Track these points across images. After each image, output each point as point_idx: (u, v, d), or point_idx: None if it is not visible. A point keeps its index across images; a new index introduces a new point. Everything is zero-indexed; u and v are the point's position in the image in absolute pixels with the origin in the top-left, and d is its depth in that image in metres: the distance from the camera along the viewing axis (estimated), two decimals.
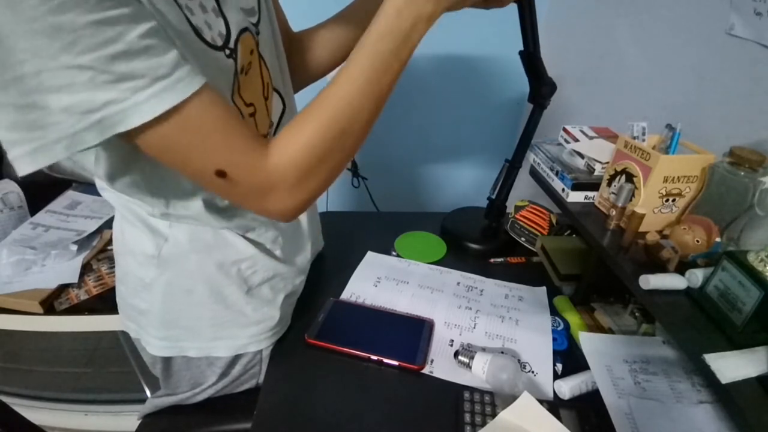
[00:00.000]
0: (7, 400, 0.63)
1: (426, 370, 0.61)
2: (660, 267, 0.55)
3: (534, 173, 0.81)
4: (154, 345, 0.60)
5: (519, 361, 0.63)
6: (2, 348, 1.16)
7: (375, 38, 0.42)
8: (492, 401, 0.56)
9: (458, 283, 0.79)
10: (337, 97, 0.42)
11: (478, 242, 0.89)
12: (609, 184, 0.66)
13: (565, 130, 0.77)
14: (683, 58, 0.78)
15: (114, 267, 0.80)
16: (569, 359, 0.64)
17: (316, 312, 0.69)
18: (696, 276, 0.53)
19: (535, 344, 0.66)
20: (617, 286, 0.61)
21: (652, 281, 0.53)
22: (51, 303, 0.87)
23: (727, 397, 0.44)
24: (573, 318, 0.70)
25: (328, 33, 0.68)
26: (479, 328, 0.69)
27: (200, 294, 0.57)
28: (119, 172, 0.47)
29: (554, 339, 0.67)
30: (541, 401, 0.54)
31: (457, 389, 0.58)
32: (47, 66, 0.30)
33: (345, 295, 0.75)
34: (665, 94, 0.83)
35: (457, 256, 0.87)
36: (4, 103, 0.31)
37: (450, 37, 1.26)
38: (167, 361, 0.62)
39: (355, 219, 1.02)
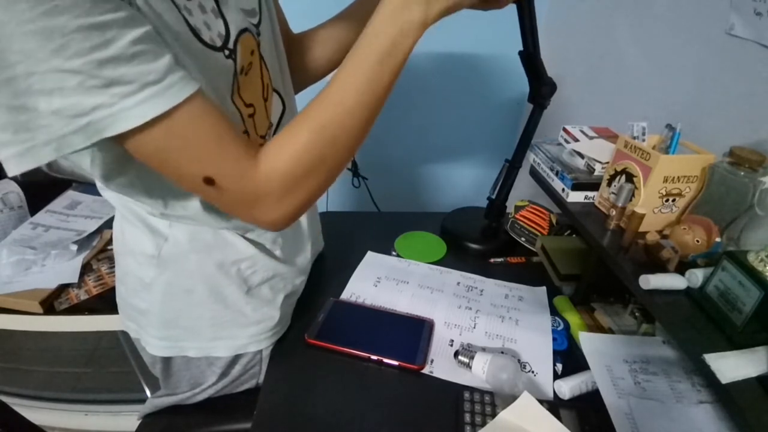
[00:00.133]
0: (7, 400, 0.63)
1: (426, 370, 0.61)
2: (660, 267, 0.55)
3: (534, 173, 0.81)
4: (153, 345, 0.60)
5: (519, 361, 0.63)
6: (2, 348, 1.16)
7: (365, 46, 0.42)
8: (492, 401, 0.56)
9: (458, 283, 0.79)
10: (326, 106, 0.42)
11: (478, 242, 0.89)
12: (609, 184, 0.66)
13: (565, 130, 0.77)
14: (683, 58, 0.78)
15: (114, 267, 0.80)
16: (569, 359, 0.64)
17: (316, 312, 0.69)
18: (696, 276, 0.53)
19: (535, 344, 0.66)
20: (617, 286, 0.61)
21: (652, 281, 0.53)
22: (51, 303, 0.87)
23: (727, 397, 0.44)
24: (573, 318, 0.70)
25: (328, 34, 0.68)
26: (479, 328, 0.69)
27: (200, 294, 0.57)
28: (114, 173, 0.47)
29: (554, 339, 0.67)
30: (541, 401, 0.54)
31: (457, 389, 0.58)
32: (38, 69, 0.30)
33: (345, 295, 0.75)
34: (665, 94, 0.83)
35: (457, 256, 0.87)
36: None
37: (450, 37, 1.26)
38: (167, 361, 0.62)
39: (355, 219, 1.02)
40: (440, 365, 0.62)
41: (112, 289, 0.66)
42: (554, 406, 0.55)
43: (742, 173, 0.54)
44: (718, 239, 0.55)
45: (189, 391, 0.65)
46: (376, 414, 0.56)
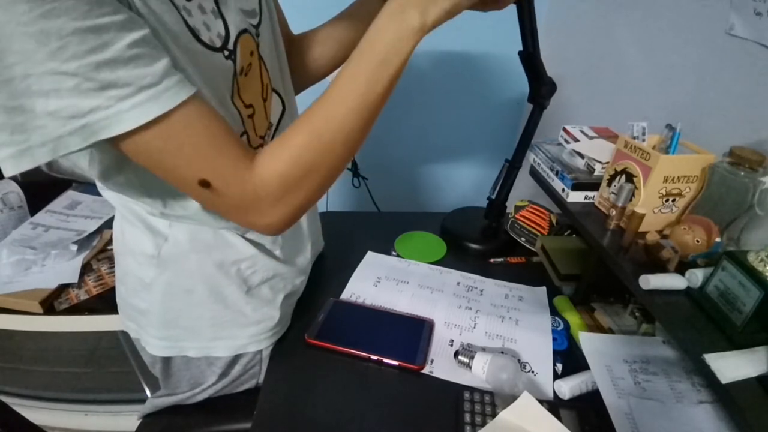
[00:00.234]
0: (7, 400, 0.63)
1: (426, 370, 0.61)
2: (660, 267, 0.55)
3: (534, 173, 0.81)
4: (153, 345, 0.60)
5: (519, 361, 0.63)
6: (2, 348, 1.16)
7: (363, 51, 0.42)
8: (492, 401, 0.56)
9: (458, 283, 0.79)
10: (323, 110, 0.42)
11: (478, 242, 0.89)
12: (609, 184, 0.66)
13: (565, 130, 0.77)
14: (683, 58, 0.78)
15: (114, 267, 0.80)
16: (569, 359, 0.64)
17: (316, 312, 0.69)
18: (696, 276, 0.53)
19: (535, 344, 0.66)
20: (617, 286, 0.61)
21: (652, 281, 0.53)
22: (51, 303, 0.87)
23: (727, 397, 0.44)
24: (573, 318, 0.70)
25: (328, 34, 0.68)
26: (479, 328, 0.69)
27: (200, 294, 0.57)
28: (113, 172, 0.47)
29: (554, 339, 0.67)
30: (541, 401, 0.54)
31: (457, 389, 0.58)
32: (34, 70, 0.30)
33: (345, 295, 0.75)
34: (665, 94, 0.83)
35: (457, 256, 0.87)
36: None
37: (450, 37, 1.26)
38: (167, 361, 0.62)
39: (355, 219, 1.02)
40: (440, 365, 0.62)
41: (112, 289, 0.66)
42: (554, 406, 0.55)
43: (742, 173, 0.54)
44: (718, 239, 0.55)
45: (189, 391, 0.65)
46: (376, 414, 0.56)
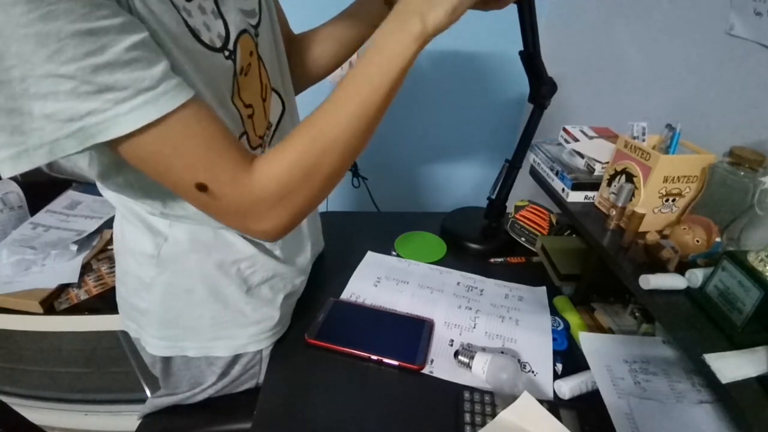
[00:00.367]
0: (7, 400, 0.63)
1: (426, 370, 0.61)
2: (660, 267, 0.55)
3: (534, 173, 0.81)
4: (153, 345, 0.60)
5: (519, 361, 0.63)
6: (2, 348, 1.16)
7: (365, 59, 0.42)
8: (492, 401, 0.56)
9: (458, 283, 0.79)
10: (322, 116, 0.42)
11: (478, 242, 0.89)
12: (609, 184, 0.66)
13: (565, 130, 0.77)
14: (683, 58, 0.78)
15: (114, 267, 0.80)
16: (569, 359, 0.64)
17: (316, 312, 0.69)
18: (696, 276, 0.53)
19: (535, 344, 0.66)
20: (617, 286, 0.61)
21: (652, 281, 0.53)
22: (51, 303, 0.87)
23: (727, 397, 0.44)
24: (573, 318, 0.70)
25: (328, 33, 0.68)
26: (479, 328, 0.69)
27: (200, 294, 0.57)
28: (112, 173, 0.47)
29: (554, 339, 0.67)
30: (541, 401, 0.54)
31: (457, 389, 0.58)
32: (32, 73, 0.30)
33: (345, 295, 0.75)
34: (665, 94, 0.83)
35: (457, 256, 0.87)
36: None
37: (450, 37, 1.26)
38: (167, 361, 0.62)
39: (355, 219, 1.02)
40: (440, 365, 0.62)
41: (112, 289, 0.66)
42: (554, 406, 0.55)
43: (742, 173, 0.54)
44: (718, 239, 0.55)
45: (189, 391, 0.65)
46: (376, 414, 0.56)
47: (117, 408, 1.19)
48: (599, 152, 0.71)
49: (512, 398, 0.54)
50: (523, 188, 0.96)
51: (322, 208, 0.86)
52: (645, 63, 0.89)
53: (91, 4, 0.31)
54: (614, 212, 0.63)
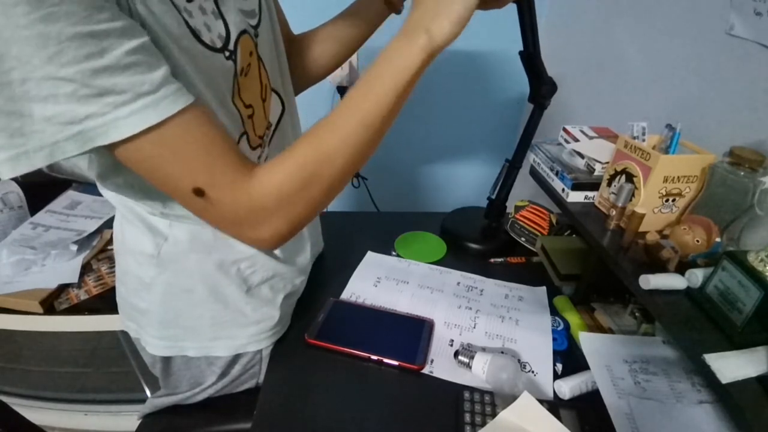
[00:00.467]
0: (7, 400, 0.63)
1: (426, 370, 0.61)
2: (660, 267, 0.55)
3: (534, 173, 0.81)
4: (153, 345, 0.60)
5: (519, 361, 0.63)
6: (2, 348, 1.16)
7: (373, 70, 0.42)
8: (492, 401, 0.56)
9: (458, 283, 0.79)
10: (328, 125, 0.42)
11: (478, 242, 0.89)
12: (609, 184, 0.66)
13: (565, 130, 0.77)
14: (683, 58, 0.78)
15: (114, 267, 0.80)
16: (569, 359, 0.64)
17: (316, 312, 0.69)
18: (696, 276, 0.53)
19: (535, 344, 0.66)
20: (617, 286, 0.61)
21: (652, 281, 0.53)
22: (51, 303, 0.87)
23: (727, 397, 0.44)
24: (573, 318, 0.70)
25: (328, 33, 0.69)
26: (479, 328, 0.69)
27: (200, 293, 0.57)
28: (112, 174, 0.47)
29: (554, 339, 0.67)
30: (541, 401, 0.54)
31: (457, 389, 0.58)
32: (32, 75, 0.30)
33: (345, 295, 0.75)
34: (665, 94, 0.83)
35: (457, 256, 0.87)
36: None
37: None
38: (167, 361, 0.62)
39: (355, 219, 1.02)
40: (440, 365, 0.62)
41: (112, 289, 0.66)
42: (554, 406, 0.55)
43: (742, 173, 0.54)
44: (718, 239, 0.55)
45: (189, 391, 0.65)
46: (376, 414, 0.56)
47: (117, 408, 1.19)
48: (599, 152, 0.71)
49: (512, 398, 0.54)
50: (523, 188, 0.96)
51: None
52: (645, 63, 0.89)
53: (91, 6, 0.31)
54: (614, 212, 0.63)
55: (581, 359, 0.61)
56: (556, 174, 0.73)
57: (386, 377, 0.61)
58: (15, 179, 1.05)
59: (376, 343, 0.64)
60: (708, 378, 0.45)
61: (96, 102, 0.32)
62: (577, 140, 0.75)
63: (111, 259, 0.98)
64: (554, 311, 0.73)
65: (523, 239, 0.88)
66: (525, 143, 0.83)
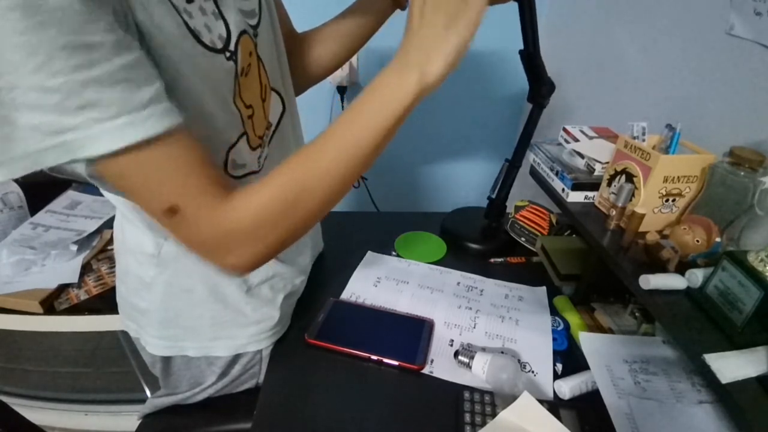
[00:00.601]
0: (7, 400, 0.63)
1: (426, 370, 0.61)
2: (660, 267, 0.55)
3: (534, 173, 0.81)
4: (153, 344, 0.60)
5: (519, 361, 0.63)
6: (2, 348, 1.16)
7: (360, 102, 0.42)
8: (492, 401, 0.56)
9: (458, 283, 0.79)
10: (311, 153, 0.42)
11: (478, 242, 0.89)
12: (609, 184, 0.66)
13: (565, 130, 0.77)
14: (683, 58, 0.78)
15: (114, 267, 0.80)
16: (569, 359, 0.64)
17: (316, 312, 0.69)
18: (696, 276, 0.53)
19: (535, 344, 0.66)
20: (617, 286, 0.61)
21: (652, 281, 0.53)
22: (51, 303, 0.87)
23: (727, 397, 0.44)
24: (573, 318, 0.70)
25: (329, 31, 0.69)
26: (479, 328, 0.69)
27: (200, 293, 0.57)
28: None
29: (554, 339, 0.67)
30: (541, 401, 0.54)
31: (457, 389, 0.58)
32: (20, 83, 0.30)
33: (345, 295, 0.75)
34: (665, 94, 0.83)
35: (457, 256, 0.87)
36: None
37: None
38: (167, 361, 0.62)
39: (355, 219, 1.02)
40: (440, 365, 0.62)
41: (112, 289, 0.66)
42: (554, 406, 0.55)
43: (742, 173, 0.54)
44: (718, 239, 0.55)
45: (189, 391, 0.65)
46: (376, 414, 0.56)
47: (117, 408, 1.19)
48: (599, 152, 0.71)
49: (512, 398, 0.54)
50: (523, 188, 0.96)
51: None
52: (645, 63, 0.89)
53: (86, 17, 0.30)
54: (614, 212, 0.63)
55: (581, 359, 0.61)
56: (556, 174, 0.73)
57: (386, 377, 0.61)
58: (15, 179, 1.05)
59: (376, 343, 0.64)
60: (708, 378, 0.45)
61: (80, 114, 0.32)
62: (577, 140, 0.75)
63: (111, 259, 0.98)
64: (554, 311, 0.73)
65: (523, 239, 0.88)
66: (524, 142, 0.83)
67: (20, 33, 0.29)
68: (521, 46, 0.75)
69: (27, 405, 1.20)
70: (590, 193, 0.70)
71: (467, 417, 0.54)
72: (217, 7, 0.44)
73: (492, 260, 0.87)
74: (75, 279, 0.91)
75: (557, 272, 0.78)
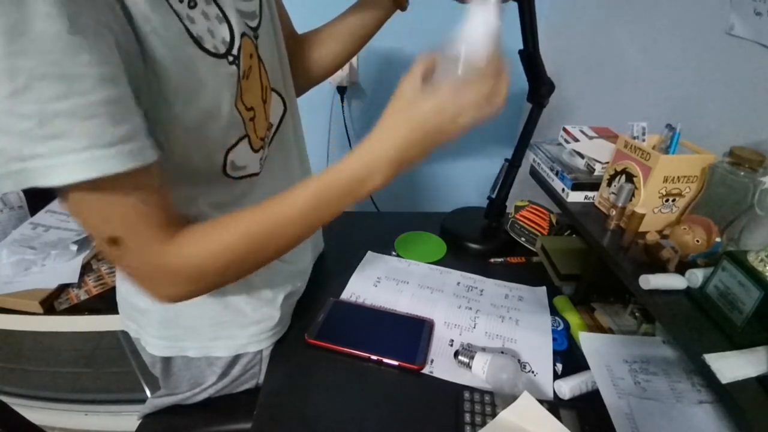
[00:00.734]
0: (7, 400, 0.63)
1: (426, 370, 0.61)
2: (660, 267, 0.55)
3: (534, 173, 0.81)
4: (153, 345, 0.60)
5: (519, 361, 0.63)
6: (2, 348, 1.16)
7: (318, 184, 0.44)
8: (492, 401, 0.56)
9: (458, 283, 0.79)
10: (261, 220, 0.44)
11: (478, 242, 0.89)
12: (609, 184, 0.66)
13: (565, 130, 0.77)
14: (683, 58, 0.78)
15: (114, 267, 0.80)
16: (569, 359, 0.64)
17: (316, 312, 0.69)
18: (696, 276, 0.53)
19: (535, 344, 0.66)
20: (617, 286, 0.61)
21: (652, 281, 0.53)
22: (51, 303, 0.87)
23: (727, 397, 0.44)
24: (573, 318, 0.70)
25: (331, 32, 0.69)
26: (479, 328, 0.69)
27: None
28: None
29: (554, 339, 0.67)
30: (541, 401, 0.54)
31: (457, 389, 0.58)
32: None
33: (345, 295, 0.75)
34: (665, 94, 0.83)
35: (457, 256, 0.87)
36: None
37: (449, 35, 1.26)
38: (167, 361, 0.62)
39: (355, 219, 1.02)
40: (440, 365, 0.62)
41: (112, 289, 0.66)
42: (554, 406, 0.55)
43: (742, 173, 0.54)
44: (718, 239, 0.55)
45: (189, 391, 0.65)
46: (376, 414, 0.56)
47: (117, 408, 1.19)
48: (599, 152, 0.71)
49: (512, 398, 0.54)
50: (523, 188, 0.96)
51: None
52: (645, 63, 0.89)
53: (72, 48, 0.30)
54: (614, 212, 0.63)
55: (581, 359, 0.61)
56: (556, 174, 0.73)
57: (386, 377, 0.61)
58: None
59: (376, 343, 0.64)
60: (708, 378, 0.45)
61: (46, 144, 0.32)
62: (577, 140, 0.75)
63: None
64: (554, 311, 0.73)
65: (523, 239, 0.88)
66: (524, 142, 0.83)
67: (1, 57, 0.28)
68: (521, 46, 0.75)
69: (27, 405, 1.20)
70: (590, 193, 0.70)
71: (467, 417, 0.54)
72: (221, 10, 0.43)
73: (492, 260, 0.87)
74: (75, 279, 0.91)
75: (557, 272, 0.78)
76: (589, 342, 0.63)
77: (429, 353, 0.64)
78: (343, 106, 1.35)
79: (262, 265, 0.47)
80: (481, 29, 0.42)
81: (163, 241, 0.40)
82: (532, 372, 0.62)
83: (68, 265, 0.93)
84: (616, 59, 0.98)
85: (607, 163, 0.68)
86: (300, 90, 0.67)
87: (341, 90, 1.31)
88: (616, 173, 0.64)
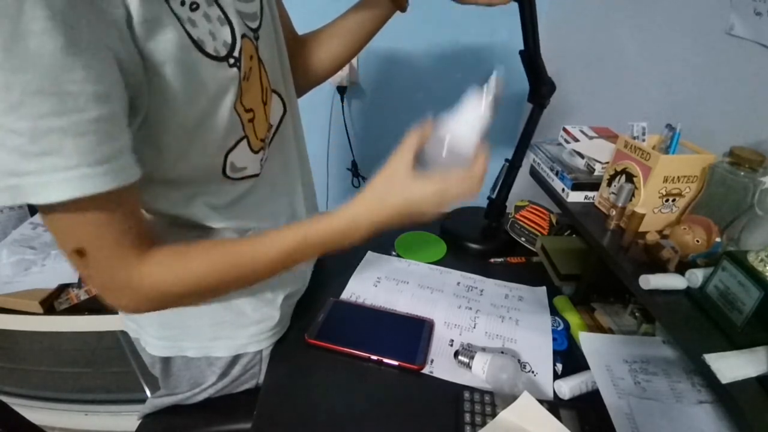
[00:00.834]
0: (7, 400, 0.63)
1: (426, 370, 0.61)
2: (660, 267, 0.55)
3: (534, 173, 0.81)
4: (153, 345, 0.60)
5: (519, 361, 0.63)
6: (2, 348, 1.16)
7: (300, 231, 0.47)
8: (492, 401, 0.56)
9: (458, 283, 0.79)
10: (234, 256, 0.45)
11: (478, 242, 0.89)
12: (609, 184, 0.66)
13: (565, 130, 0.77)
14: (683, 58, 0.78)
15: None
16: (569, 359, 0.64)
17: (316, 312, 0.69)
18: (696, 276, 0.53)
19: (535, 344, 0.66)
20: (617, 286, 0.61)
21: (652, 281, 0.53)
22: (51, 303, 0.87)
23: (727, 397, 0.44)
24: (573, 318, 0.70)
25: (332, 33, 0.68)
26: (479, 328, 0.69)
27: None
28: None
29: (554, 339, 0.67)
30: (541, 401, 0.54)
31: (457, 389, 0.58)
32: None
33: (345, 295, 0.75)
34: (665, 94, 0.83)
35: (457, 256, 0.87)
36: None
37: (450, 35, 1.26)
38: (167, 361, 0.62)
39: None
40: (440, 365, 0.62)
41: None
42: (554, 406, 0.55)
43: (742, 173, 0.54)
44: (718, 239, 0.55)
45: (189, 391, 0.65)
46: (376, 414, 0.56)
47: (117, 408, 1.20)
48: (599, 152, 0.71)
49: (512, 398, 0.54)
50: (523, 188, 0.96)
51: (322, 207, 0.86)
52: (645, 63, 0.89)
53: (68, 66, 0.30)
54: (614, 212, 0.63)
55: (581, 359, 0.61)
56: (556, 174, 0.73)
57: (386, 377, 0.61)
58: None
59: (376, 343, 0.64)
60: (708, 378, 0.45)
61: (38, 160, 0.32)
62: (577, 140, 0.75)
63: None
64: (554, 311, 0.73)
65: (523, 239, 0.88)
66: (524, 142, 0.83)
67: None
68: (521, 47, 0.75)
69: (27, 405, 1.20)
70: (590, 193, 0.70)
71: (467, 417, 0.54)
72: (223, 11, 0.43)
73: (492, 260, 0.87)
74: (75, 279, 0.91)
75: (557, 272, 0.78)
76: (589, 342, 0.63)
77: (429, 353, 0.64)
78: (343, 106, 1.35)
79: (232, 292, 0.50)
80: (472, 121, 0.49)
81: (131, 258, 0.41)
82: (532, 372, 0.62)
83: (68, 265, 0.93)
84: (616, 59, 0.98)
85: (607, 163, 0.68)
86: (300, 91, 0.67)
87: (341, 90, 1.31)
88: (616, 173, 0.64)
